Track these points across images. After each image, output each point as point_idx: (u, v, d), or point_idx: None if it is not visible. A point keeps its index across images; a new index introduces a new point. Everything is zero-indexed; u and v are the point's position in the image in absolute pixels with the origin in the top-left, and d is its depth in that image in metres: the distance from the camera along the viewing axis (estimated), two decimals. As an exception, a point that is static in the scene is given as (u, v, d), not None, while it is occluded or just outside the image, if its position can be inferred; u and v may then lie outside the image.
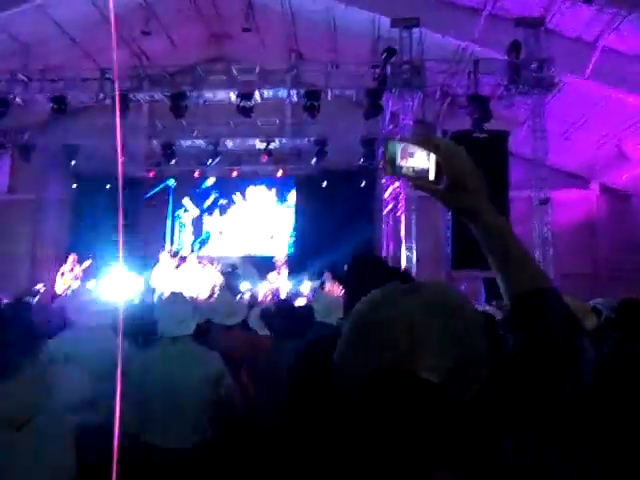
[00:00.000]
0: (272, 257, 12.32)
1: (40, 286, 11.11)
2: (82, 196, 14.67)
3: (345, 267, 2.22)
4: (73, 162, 13.64)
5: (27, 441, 2.35)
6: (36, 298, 9.28)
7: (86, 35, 13.24)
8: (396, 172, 0.94)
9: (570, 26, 9.69)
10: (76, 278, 11.28)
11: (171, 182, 15.04)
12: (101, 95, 11.36)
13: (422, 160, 0.93)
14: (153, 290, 10.89)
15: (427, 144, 0.93)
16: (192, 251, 13.11)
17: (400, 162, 0.93)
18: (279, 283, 11.48)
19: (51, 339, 3.38)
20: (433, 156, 0.92)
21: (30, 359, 2.39)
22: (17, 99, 11.45)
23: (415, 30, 10.39)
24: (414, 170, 0.93)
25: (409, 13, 10.35)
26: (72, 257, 11.66)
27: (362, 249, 12.06)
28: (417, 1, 10.82)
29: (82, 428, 2.68)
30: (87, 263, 11.57)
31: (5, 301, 6.61)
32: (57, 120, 11.89)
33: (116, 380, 3.02)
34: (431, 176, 0.93)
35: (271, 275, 11.65)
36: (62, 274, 11.43)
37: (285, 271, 11.70)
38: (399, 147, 0.93)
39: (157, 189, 15.10)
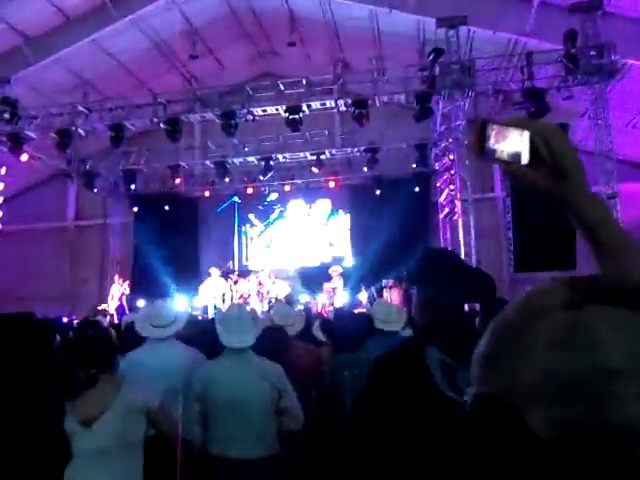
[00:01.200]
0: (328, 267, 12.29)
1: (104, 306, 11.60)
2: (143, 218, 15.13)
3: (409, 269, 2.05)
4: (133, 186, 14.08)
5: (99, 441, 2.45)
6: (107, 318, 9.68)
7: (138, 64, 13.77)
8: (487, 156, 0.87)
9: (630, 6, 9.20)
10: (120, 298, 11.92)
11: (235, 198, 15.27)
12: (155, 120, 11.67)
13: (515, 143, 0.85)
14: (205, 306, 11.17)
15: (523, 125, 0.85)
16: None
17: (491, 145, 0.86)
18: (335, 293, 11.46)
19: (127, 354, 3.54)
20: (527, 138, 0.84)
21: (108, 372, 2.59)
22: (79, 130, 11.93)
23: (462, 28, 10.16)
24: (507, 154, 0.85)
25: (455, 12, 10.13)
26: (117, 279, 12.32)
27: (423, 252, 11.80)
28: (462, -1, 10.60)
29: (150, 437, 2.75)
30: (124, 285, 12.19)
31: (76, 321, 6.88)
32: (116, 147, 12.30)
33: (182, 391, 3.09)
34: (524, 160, 0.85)
35: (326, 285, 11.64)
36: (112, 296, 12.06)
37: (340, 281, 11.66)
38: (490, 128, 0.86)
39: (224, 205, 15.37)
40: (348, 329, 4.02)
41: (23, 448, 2.29)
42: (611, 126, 9.96)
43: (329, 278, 11.79)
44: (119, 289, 12.20)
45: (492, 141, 0.86)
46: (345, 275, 12.31)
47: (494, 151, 0.86)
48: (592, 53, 9.35)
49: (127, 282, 12.60)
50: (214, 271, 12.15)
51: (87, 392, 2.52)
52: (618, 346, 0.56)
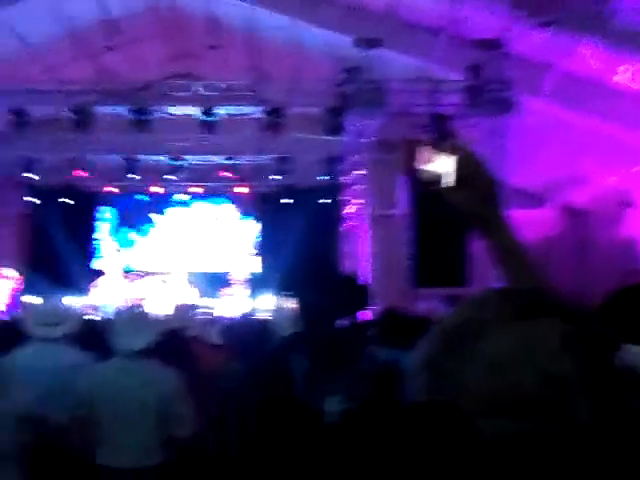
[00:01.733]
0: (227, 274, 12.27)
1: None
2: (41, 210, 14.32)
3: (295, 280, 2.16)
4: (31, 175, 13.31)
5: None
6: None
7: (49, 49, 13.08)
8: (415, 174, 0.93)
9: (528, 49, 10.00)
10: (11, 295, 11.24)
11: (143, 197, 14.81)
12: (63, 109, 11.14)
13: (443, 165, 0.92)
14: (97, 305, 10.80)
15: (451, 149, 0.93)
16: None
17: (420, 165, 0.93)
18: (235, 299, 11.48)
19: (5, 353, 3.30)
20: (454, 162, 0.92)
21: None
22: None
23: (377, 50, 10.57)
24: (435, 175, 0.92)
25: (372, 34, 10.53)
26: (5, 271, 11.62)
27: (321, 265, 12.07)
28: (379, 22, 11.03)
29: (30, 446, 2.60)
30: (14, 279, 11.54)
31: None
32: (16, 133, 11.57)
33: (66, 396, 2.96)
34: (450, 182, 0.92)
35: (226, 291, 11.64)
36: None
37: (242, 288, 11.69)
38: (420, 150, 0.93)
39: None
40: (247, 333, 4.07)
41: None
42: (506, 156, 10.71)
43: (229, 284, 11.82)
44: (8, 284, 11.41)
45: (421, 162, 0.92)
46: (251, 282, 12.34)
47: (422, 171, 0.92)
48: (492, 87, 10.07)
49: (18, 276, 11.83)
50: (109, 269, 11.75)
51: None
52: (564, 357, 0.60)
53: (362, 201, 11.65)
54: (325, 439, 1.55)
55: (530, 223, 13.71)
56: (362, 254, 11.15)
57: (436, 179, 0.92)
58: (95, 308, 10.54)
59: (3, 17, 11.60)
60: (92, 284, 11.38)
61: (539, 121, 11.28)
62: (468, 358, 0.64)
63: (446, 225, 9.74)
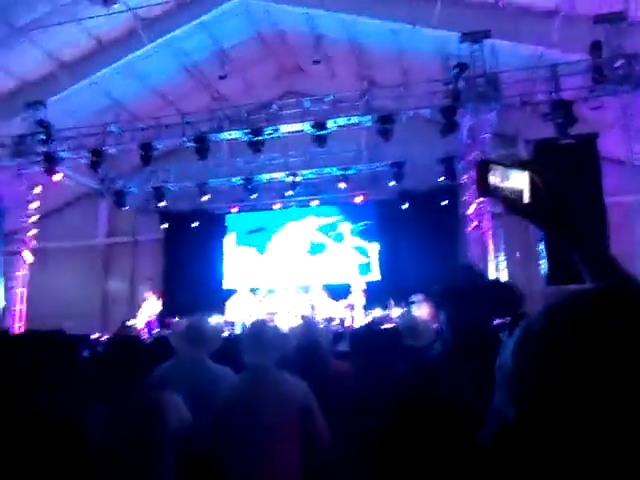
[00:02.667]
0: (350, 285, 12.29)
1: (132, 322, 11.78)
2: (172, 234, 15.37)
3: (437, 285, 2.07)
4: (162, 203, 14.33)
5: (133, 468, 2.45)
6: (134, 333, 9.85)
7: (168, 85, 14.14)
8: (491, 194, 0.93)
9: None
10: (150, 316, 12.03)
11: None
12: (184, 139, 11.91)
13: (517, 182, 0.91)
14: (232, 322, 11.26)
15: (524, 166, 0.92)
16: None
17: (495, 183, 0.92)
18: (356, 309, 11.46)
19: (156, 368, 3.48)
20: (527, 178, 0.91)
21: (134, 384, 2.58)
22: (110, 149, 12.26)
23: (486, 41, 10.17)
24: (510, 192, 0.92)
25: (478, 26, 10.16)
26: (149, 295, 12.45)
27: (448, 269, 11.73)
28: (486, 13, 10.61)
29: (181, 458, 2.75)
30: (158, 301, 12.33)
31: (105, 337, 6.97)
32: (146, 165, 12.53)
33: (207, 408, 3.07)
34: (525, 198, 0.91)
35: (343, 301, 11.69)
36: (141, 312, 12.22)
37: (362, 298, 11.66)
38: (493, 168, 0.92)
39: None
40: (375, 342, 4.01)
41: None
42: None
43: (348, 294, 11.88)
44: (152, 305, 12.31)
45: (495, 180, 0.91)
46: (372, 290, 12.30)
47: (497, 189, 0.91)
48: (618, 63, 9.25)
49: (160, 299, 12.74)
50: (241, 287, 12.30)
51: (123, 409, 2.50)
52: None
53: (482, 200, 11.17)
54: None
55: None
56: (488, 255, 10.68)
57: (512, 196, 0.91)
58: (232, 325, 11.05)
59: (128, 62, 12.74)
60: (227, 302, 11.94)
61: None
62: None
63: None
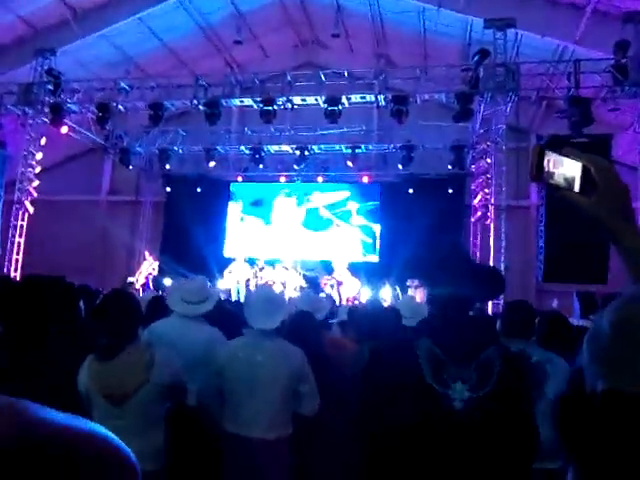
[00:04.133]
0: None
1: (132, 279, 11.79)
2: (175, 198, 15.31)
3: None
4: (167, 166, 14.24)
5: (124, 417, 2.47)
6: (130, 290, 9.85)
7: (182, 45, 13.90)
8: (545, 179, 0.94)
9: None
10: (147, 276, 12.07)
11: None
12: (195, 101, 11.74)
13: (571, 169, 0.93)
14: (228, 289, 11.30)
15: (579, 156, 0.93)
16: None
17: (550, 169, 0.93)
18: (344, 286, 11.52)
19: (150, 325, 3.52)
20: (580, 167, 0.93)
21: (131, 342, 2.57)
22: (119, 106, 12.08)
23: (510, 31, 9.99)
24: (563, 179, 0.93)
25: (503, 14, 9.98)
26: (148, 255, 12.48)
27: (451, 253, 11.72)
28: (513, 1, 10.41)
29: (172, 412, 2.77)
30: (154, 263, 12.35)
31: (104, 292, 6.96)
32: (155, 126, 12.36)
33: (203, 367, 3.10)
34: (576, 187, 0.93)
35: (331, 278, 11.74)
36: (140, 272, 12.22)
37: (347, 274, 11.74)
38: (548, 154, 0.93)
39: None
40: (377, 320, 4.00)
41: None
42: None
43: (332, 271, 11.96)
44: (149, 266, 12.33)
45: (549, 166, 0.93)
46: (368, 271, 12.34)
47: (550, 174, 0.93)
48: (643, 65, 9.09)
49: (156, 261, 12.75)
50: (239, 256, 12.30)
51: (114, 364, 2.50)
52: None
53: (488, 191, 11.11)
54: (452, 426, 1.63)
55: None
56: (491, 246, 10.65)
57: (563, 184, 0.93)
58: (227, 292, 11.06)
59: (143, 17, 12.51)
60: (226, 270, 11.95)
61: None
62: None
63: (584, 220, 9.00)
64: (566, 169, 0.93)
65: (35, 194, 12.53)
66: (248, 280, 11.72)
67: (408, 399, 1.69)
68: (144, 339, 3.11)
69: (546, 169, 0.92)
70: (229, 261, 12.62)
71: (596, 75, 9.56)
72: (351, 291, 11.47)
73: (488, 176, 11.22)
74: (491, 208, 10.96)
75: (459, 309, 1.84)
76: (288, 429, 3.05)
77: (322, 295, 10.01)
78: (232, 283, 11.62)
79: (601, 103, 10.01)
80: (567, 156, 0.93)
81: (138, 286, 11.60)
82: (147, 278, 12.18)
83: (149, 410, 2.56)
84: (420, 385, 1.68)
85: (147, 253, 12.68)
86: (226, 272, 11.96)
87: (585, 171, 0.93)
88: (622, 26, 9.01)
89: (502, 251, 10.57)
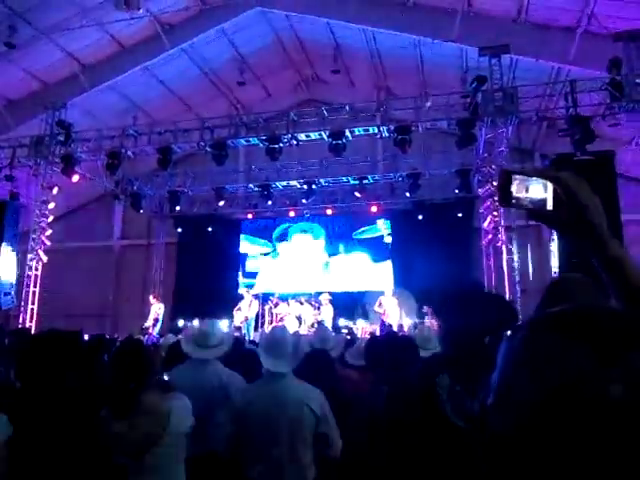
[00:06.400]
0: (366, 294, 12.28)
1: (147, 324, 11.83)
2: (186, 238, 15.47)
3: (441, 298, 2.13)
4: (177, 207, 14.44)
5: (145, 471, 2.47)
6: (147, 336, 9.90)
7: (187, 90, 14.28)
8: (512, 203, 0.93)
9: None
10: (155, 319, 12.07)
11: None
12: (201, 143, 11.99)
13: (539, 191, 0.92)
14: (239, 327, 11.29)
15: (545, 175, 0.92)
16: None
17: (516, 193, 0.92)
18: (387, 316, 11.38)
19: (165, 372, 3.46)
20: (550, 186, 0.92)
21: (147, 392, 2.54)
22: (128, 152, 12.36)
23: (505, 56, 10.18)
24: (531, 201, 0.92)
25: (497, 41, 10.16)
26: (152, 299, 12.53)
27: (462, 281, 11.71)
28: (505, 28, 10.62)
29: (192, 459, 2.76)
30: (159, 307, 12.37)
31: (120, 339, 7.02)
32: (164, 169, 12.58)
33: (221, 411, 3.08)
34: (549, 206, 0.92)
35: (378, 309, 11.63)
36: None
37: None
38: (514, 178, 0.92)
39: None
40: (395, 351, 3.99)
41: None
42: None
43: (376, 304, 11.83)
44: (156, 309, 12.33)
45: (516, 190, 0.92)
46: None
47: (519, 199, 0.92)
48: (638, 80, 9.18)
49: (161, 303, 12.74)
50: (245, 292, 12.34)
51: (130, 421, 2.47)
52: None
53: (497, 213, 11.13)
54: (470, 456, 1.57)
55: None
56: (504, 267, 10.63)
57: (533, 206, 0.92)
58: (239, 330, 11.07)
59: (149, 66, 12.91)
60: (235, 308, 11.96)
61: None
62: None
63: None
64: (534, 191, 0.92)
65: (48, 242, 12.70)
66: (257, 316, 11.75)
67: (433, 439, 1.68)
68: (164, 384, 3.09)
69: (514, 193, 0.92)
70: (241, 299, 12.67)
71: (593, 93, 9.67)
72: (394, 318, 11.35)
73: (495, 198, 11.25)
74: (501, 230, 10.98)
75: (472, 343, 1.83)
76: (309, 475, 2.97)
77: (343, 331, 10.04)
78: (241, 321, 11.64)
79: (601, 120, 10.08)
80: (531, 176, 0.92)
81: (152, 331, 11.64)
82: (153, 322, 12.15)
83: (170, 459, 2.56)
84: (441, 421, 1.68)
85: (151, 297, 12.69)
86: (235, 310, 11.98)
87: (556, 191, 0.92)
88: (612, 45, 9.14)
89: (516, 272, 10.55)
